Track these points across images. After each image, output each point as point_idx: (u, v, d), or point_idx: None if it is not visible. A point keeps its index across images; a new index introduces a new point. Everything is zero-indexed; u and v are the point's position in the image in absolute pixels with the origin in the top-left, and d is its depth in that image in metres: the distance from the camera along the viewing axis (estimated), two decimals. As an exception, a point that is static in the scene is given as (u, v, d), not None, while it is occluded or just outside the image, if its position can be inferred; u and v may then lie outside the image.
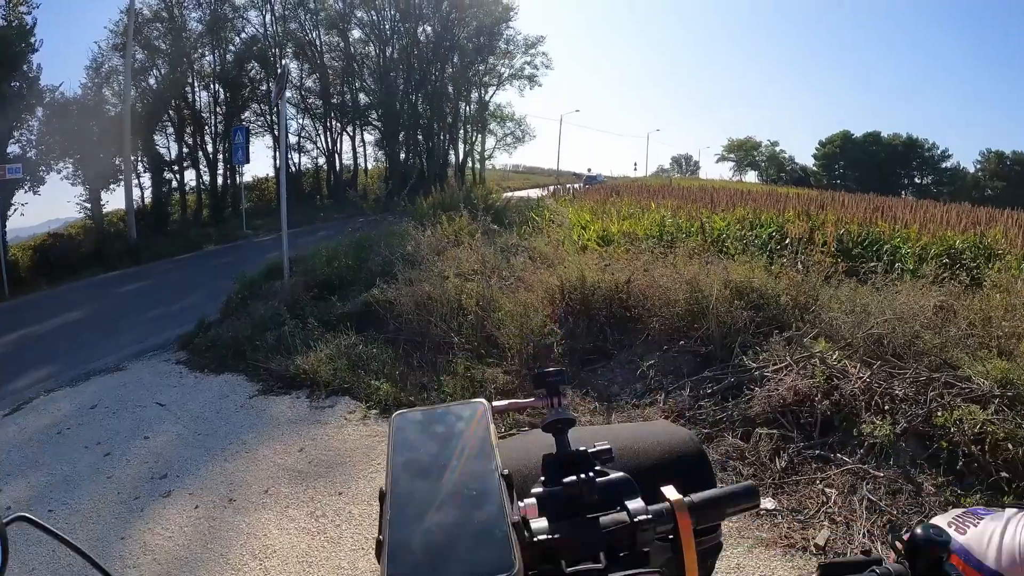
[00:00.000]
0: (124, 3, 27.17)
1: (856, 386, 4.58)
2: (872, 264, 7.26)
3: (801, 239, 8.36)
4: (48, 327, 12.33)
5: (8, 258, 18.79)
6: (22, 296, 17.13)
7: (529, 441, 1.41)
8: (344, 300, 8.23)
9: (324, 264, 9.33)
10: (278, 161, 33.92)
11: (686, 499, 1.01)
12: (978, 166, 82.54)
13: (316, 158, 41.33)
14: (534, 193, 24.99)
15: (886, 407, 4.41)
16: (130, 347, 9.40)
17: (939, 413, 4.17)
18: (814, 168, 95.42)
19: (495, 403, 1.20)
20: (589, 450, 1.13)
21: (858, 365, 4.84)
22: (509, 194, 16.18)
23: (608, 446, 1.15)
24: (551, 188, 28.43)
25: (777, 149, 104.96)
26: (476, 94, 49.38)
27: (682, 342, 5.86)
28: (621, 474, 1.09)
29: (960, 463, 3.90)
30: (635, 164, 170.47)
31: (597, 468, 1.09)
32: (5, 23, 21.17)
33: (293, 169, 37.75)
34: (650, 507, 1.01)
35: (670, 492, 1.03)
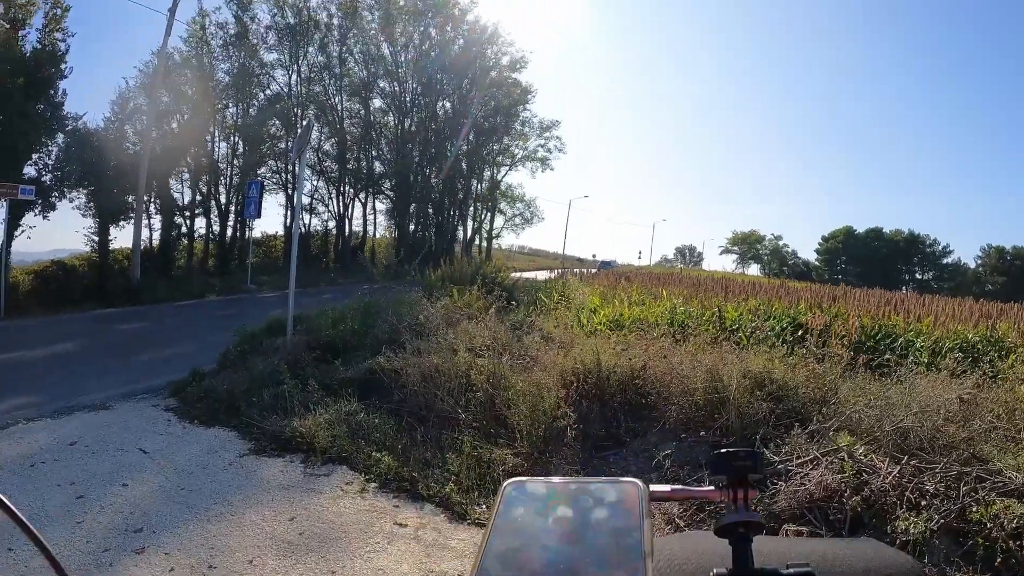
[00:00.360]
0: (156, 46, 27.61)
1: (886, 481, 4.38)
2: (887, 356, 7.09)
3: (820, 331, 8.24)
4: (38, 354, 12.09)
5: (8, 279, 18.60)
6: (17, 319, 16.96)
7: (693, 546, 1.13)
8: (348, 365, 7.93)
9: (330, 326, 9.08)
10: (290, 217, 34.37)
11: None
12: (979, 261, 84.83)
13: (326, 221, 41.55)
14: (539, 275, 25.00)
15: (919, 503, 4.22)
16: (119, 387, 9.15)
17: (973, 508, 4.00)
18: (816, 263, 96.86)
19: (654, 487, 0.96)
20: (782, 571, 0.85)
21: (886, 460, 4.62)
22: (517, 274, 16.06)
23: (809, 569, 0.86)
24: (557, 271, 28.45)
25: (780, 243, 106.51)
26: (489, 172, 49.98)
27: (702, 432, 5.63)
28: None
29: (998, 559, 3.74)
30: (639, 252, 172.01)
31: None
32: (39, 46, 21.35)
33: (303, 230, 37.75)
34: None
35: None
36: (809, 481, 4.50)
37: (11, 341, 13.31)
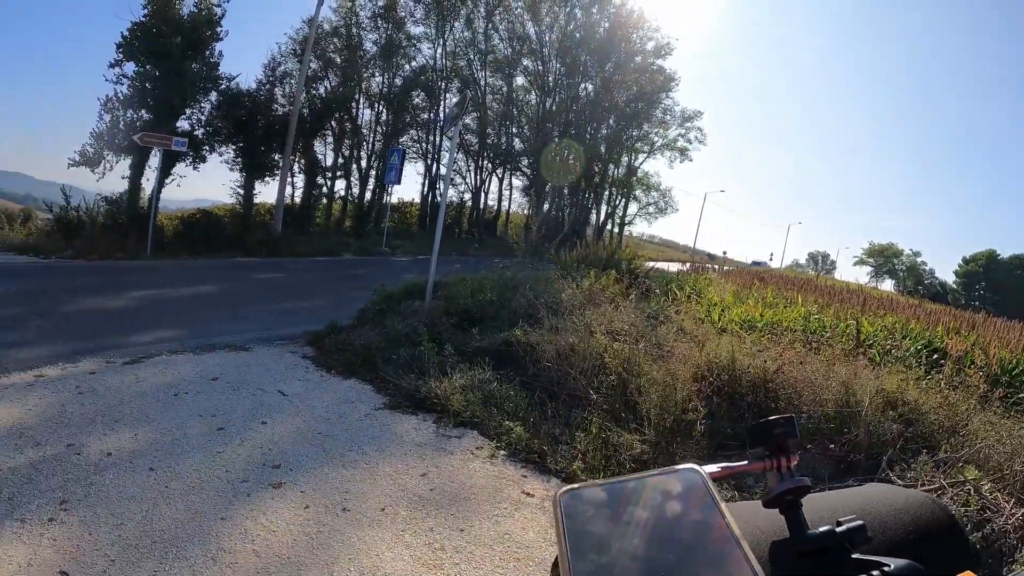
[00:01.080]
0: (307, 14, 28.51)
1: (1009, 522, 4.22)
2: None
3: (957, 358, 7.97)
4: (181, 293, 12.84)
5: (156, 223, 19.65)
6: (163, 260, 17.94)
7: (745, 519, 1.04)
8: (484, 334, 8.05)
9: (468, 294, 9.22)
10: (440, 185, 35.32)
11: None
12: None
13: (462, 193, 42.17)
14: (669, 266, 24.73)
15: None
16: (258, 331, 9.58)
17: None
18: (954, 285, 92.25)
19: (707, 469, 0.89)
20: (838, 529, 0.84)
21: (1011, 500, 4.46)
22: (649, 264, 15.96)
23: (860, 521, 0.86)
24: (687, 265, 28.10)
25: (918, 260, 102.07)
26: (626, 159, 49.57)
27: (831, 446, 5.54)
28: (907, 563, 0.79)
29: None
30: (771, 254, 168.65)
31: (855, 556, 0.82)
32: (196, 10, 22.50)
33: (439, 198, 38.15)
34: None
35: None
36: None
37: (156, 280, 14.17)
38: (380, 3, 34.75)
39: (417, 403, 6.57)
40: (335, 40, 33.35)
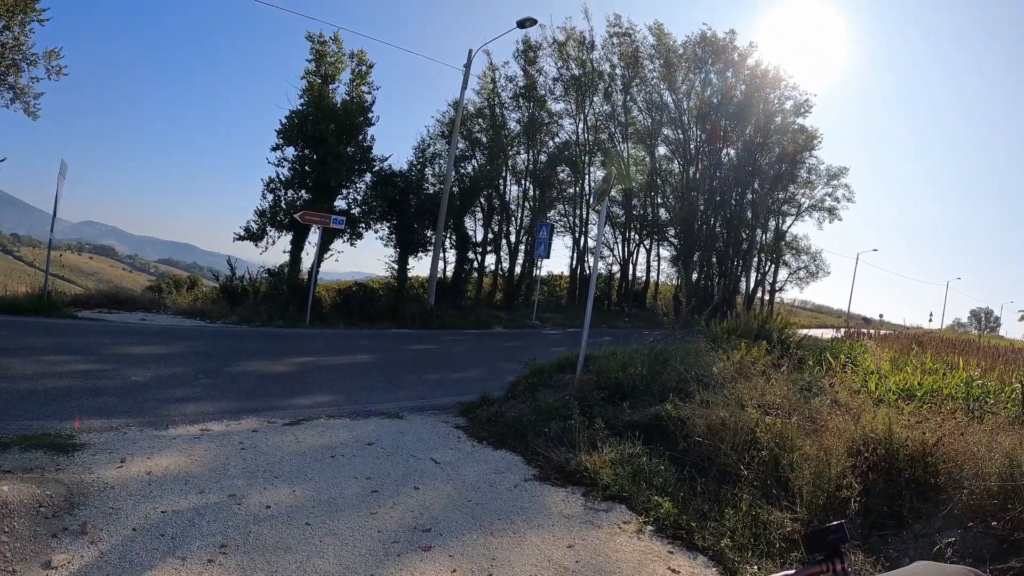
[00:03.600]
0: (451, 97, 29.77)
1: None
2: None
3: None
4: (337, 362, 13.38)
5: (315, 294, 20.87)
6: (320, 329, 18.84)
7: None
8: (634, 408, 8.13)
9: (618, 368, 9.26)
10: (590, 260, 35.44)
11: None
12: None
13: (610, 265, 42.49)
14: (823, 332, 24.04)
15: None
16: (411, 400, 9.95)
17: None
18: None
19: None
20: None
21: None
22: (802, 331, 15.68)
23: None
24: (841, 331, 27.25)
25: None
26: (774, 222, 48.78)
27: (993, 523, 5.32)
28: None
29: None
30: (931, 314, 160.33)
31: None
32: (348, 98, 24.17)
33: (587, 272, 38.80)
34: None
35: None
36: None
37: (314, 347, 14.90)
38: (521, 84, 36.01)
39: (566, 476, 6.66)
40: (480, 120, 34.77)
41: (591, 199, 35.44)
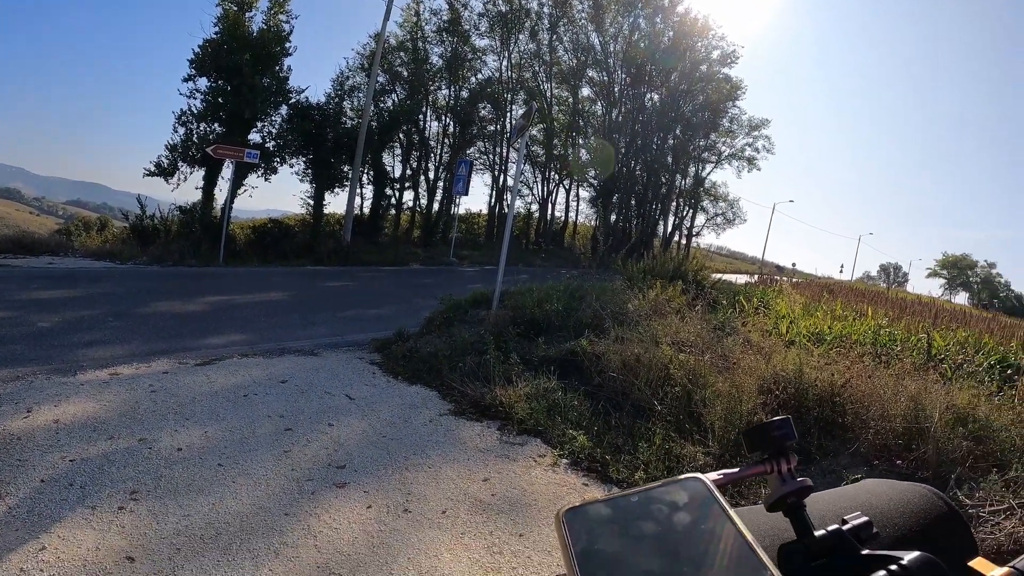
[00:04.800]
0: (373, 29, 29.11)
1: None
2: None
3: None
4: (251, 299, 13.06)
5: (228, 231, 20.27)
6: (234, 267, 18.43)
7: (751, 525, 0.88)
8: (550, 344, 8.07)
9: (534, 304, 9.23)
10: (509, 198, 35.19)
11: (1013, 569, 0.72)
12: None
13: (529, 204, 42.50)
14: (737, 278, 24.47)
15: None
16: (326, 337, 9.75)
17: None
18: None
19: (711, 477, 0.85)
20: (844, 527, 0.82)
21: None
22: (716, 275, 15.85)
23: (866, 517, 0.84)
24: (755, 277, 27.77)
25: (993, 272, 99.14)
26: (693, 169, 49.29)
27: (898, 462, 5.45)
28: (920, 554, 0.74)
29: None
30: (842, 266, 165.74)
31: (865, 553, 0.79)
32: (265, 27, 23.36)
33: (507, 210, 38.38)
34: None
35: (983, 565, 0.80)
36: (1000, 531, 4.28)
37: (227, 285, 14.60)
38: (445, 17, 35.41)
39: (482, 410, 6.63)
40: (401, 54, 34.06)
41: (511, 136, 35.14)
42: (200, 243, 19.66)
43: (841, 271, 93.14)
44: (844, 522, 0.83)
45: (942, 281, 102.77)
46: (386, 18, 25.91)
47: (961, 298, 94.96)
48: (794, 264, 67.44)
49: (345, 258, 22.62)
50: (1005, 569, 0.72)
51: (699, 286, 12.14)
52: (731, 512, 0.73)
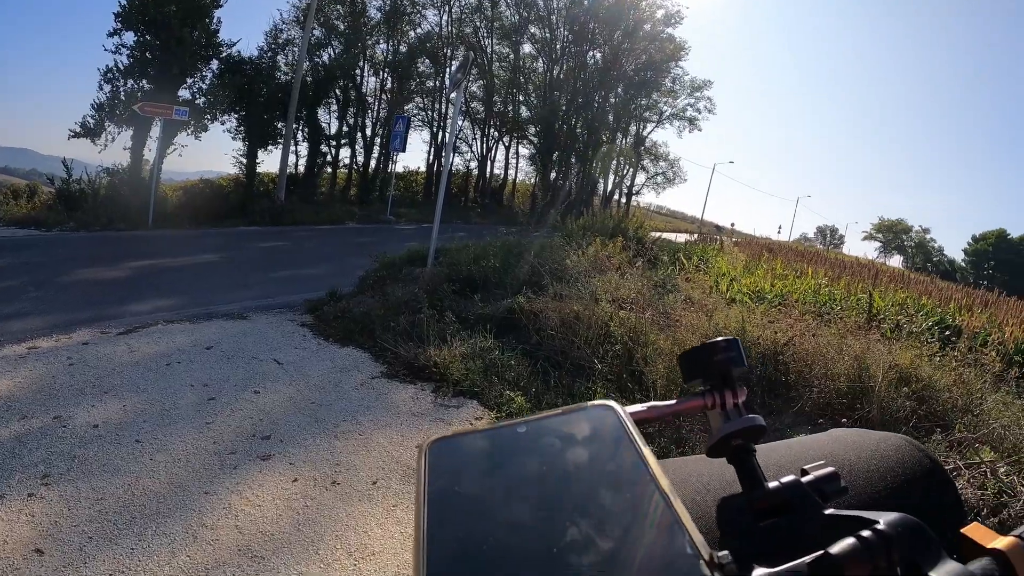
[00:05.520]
0: None
1: None
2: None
3: (972, 335, 7.80)
4: (180, 263, 12.62)
5: (157, 194, 19.67)
6: (163, 230, 17.77)
7: (688, 475, 0.83)
8: (487, 302, 7.83)
9: (471, 261, 8.98)
10: (445, 151, 34.86)
11: (1019, 538, 0.55)
12: None
13: (468, 161, 41.83)
14: (677, 236, 24.50)
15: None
16: (256, 300, 9.45)
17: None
18: (962, 263, 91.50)
19: (630, 409, 0.67)
20: (803, 479, 0.63)
21: None
22: (656, 234, 15.76)
23: (831, 468, 0.65)
24: (695, 235, 27.86)
25: (927, 237, 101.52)
26: (634, 128, 49.15)
27: (844, 420, 5.33)
28: (900, 516, 0.55)
29: None
30: (780, 227, 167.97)
31: (828, 512, 0.60)
32: None
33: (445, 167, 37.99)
34: (972, 567, 0.54)
35: (980, 533, 0.59)
36: (945, 491, 4.19)
37: (156, 250, 13.98)
38: (385, -33, 34.28)
39: (415, 372, 6.38)
40: (338, 7, 33.06)
41: (447, 88, 34.62)
42: (129, 206, 18.91)
43: (779, 232, 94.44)
44: (804, 472, 0.64)
45: (877, 244, 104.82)
46: (320, -33, 24.95)
47: (895, 261, 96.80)
48: (733, 224, 68.09)
49: (279, 218, 22.02)
50: (1009, 538, 0.55)
51: (639, 243, 12.00)
52: (645, 451, 0.57)
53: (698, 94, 48.16)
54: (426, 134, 38.96)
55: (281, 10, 46.46)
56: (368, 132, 34.34)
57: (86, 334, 6.93)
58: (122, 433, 4.54)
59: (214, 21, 23.29)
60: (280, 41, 28.82)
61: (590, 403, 0.62)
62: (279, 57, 28.33)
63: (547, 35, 40.97)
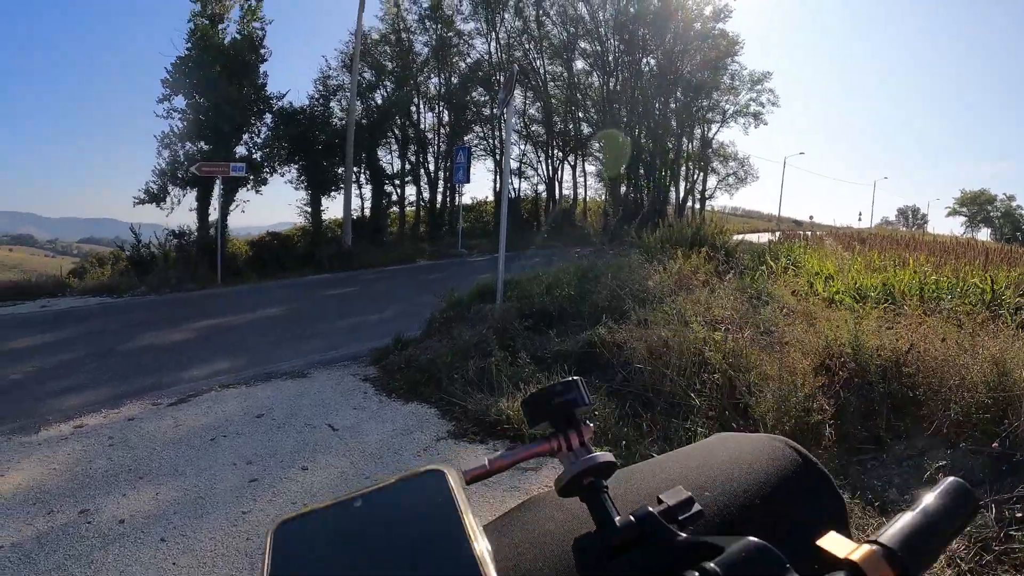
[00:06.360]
0: (352, 26, 28.58)
1: None
2: None
3: None
4: (246, 319, 12.54)
5: (226, 251, 20.00)
6: (233, 287, 17.89)
7: (539, 518, 0.80)
8: (563, 336, 7.04)
9: (543, 291, 8.27)
10: (500, 174, 34.51)
11: (875, 545, 0.55)
12: None
13: (536, 185, 41.44)
14: (757, 237, 23.61)
15: None
16: (320, 353, 9.05)
17: None
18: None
19: (471, 468, 0.71)
20: (655, 509, 0.62)
21: None
22: (739, 236, 14.99)
23: (687, 493, 0.65)
24: (776, 233, 26.96)
25: (1013, 204, 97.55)
26: (699, 131, 48.33)
27: (995, 444, 4.44)
28: (749, 540, 0.55)
29: None
30: (860, 214, 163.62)
31: (681, 538, 0.59)
32: (239, 36, 22.98)
33: (513, 194, 38.28)
34: None
35: (835, 544, 0.56)
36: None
37: (222, 308, 14.09)
38: (425, 4, 34.64)
39: (487, 428, 5.69)
40: (386, 47, 33.56)
41: (497, 107, 34.28)
42: (197, 266, 19.21)
43: (860, 219, 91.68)
44: (660, 501, 0.66)
45: (963, 219, 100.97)
46: (360, 9, 25.19)
47: (983, 234, 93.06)
48: (811, 217, 66.46)
49: (347, 262, 22.03)
50: (866, 547, 0.55)
51: (723, 251, 11.18)
52: (466, 518, 0.58)
53: (759, 87, 47.26)
54: (489, 163, 39.01)
55: (327, 57, 46.88)
56: (431, 167, 34.40)
57: (136, 407, 6.62)
58: (148, 529, 4.07)
59: (260, 75, 23.64)
60: (330, 87, 29.00)
61: (422, 468, 0.64)
62: (332, 104, 28.45)
63: (598, 48, 40.63)
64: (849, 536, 0.61)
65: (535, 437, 0.74)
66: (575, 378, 0.73)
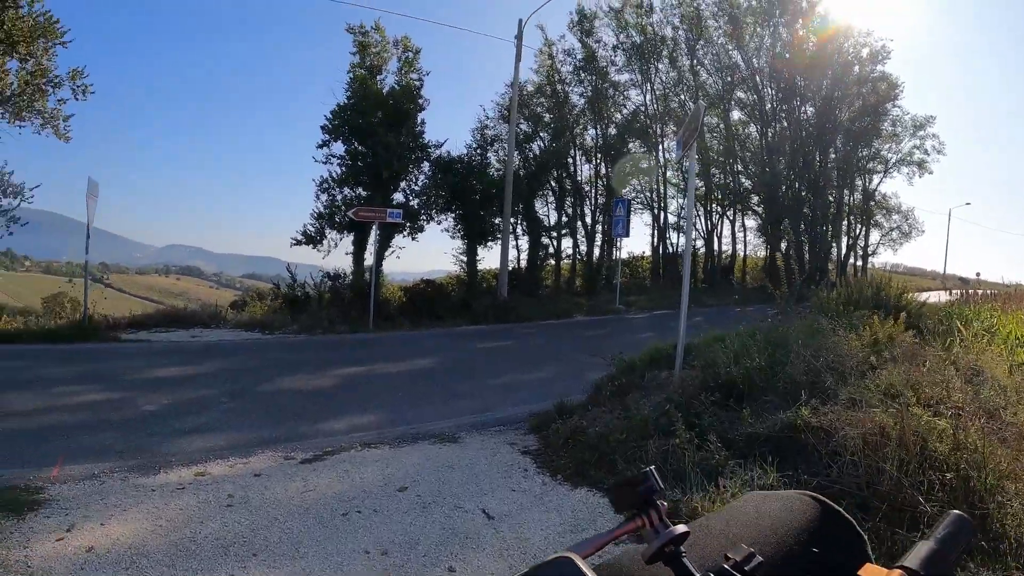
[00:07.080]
0: (507, 78, 28.94)
1: None
2: None
3: None
4: (395, 369, 12.17)
5: (380, 295, 20.25)
6: (385, 332, 17.92)
7: None
8: (757, 415, 6.04)
9: (731, 360, 7.25)
10: (671, 235, 35.03)
11: (902, 569, 0.78)
12: None
13: (695, 240, 40.32)
14: (930, 297, 22.15)
15: None
16: (472, 414, 8.57)
17: None
18: None
19: (582, 549, 0.94)
20: (726, 565, 0.84)
21: None
22: (924, 295, 13.83)
23: (749, 549, 0.86)
24: (951, 293, 25.31)
25: None
26: (860, 182, 46.39)
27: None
28: None
29: None
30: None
31: None
32: (396, 87, 23.65)
33: (670, 249, 37.98)
34: None
35: (873, 573, 0.83)
36: None
37: (372, 354, 13.84)
38: (579, 56, 34.85)
39: (674, 528, 4.88)
40: (541, 99, 33.88)
41: (674, 152, 33.47)
42: (350, 309, 19.54)
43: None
44: (727, 558, 0.85)
45: None
46: (517, 59, 25.38)
47: None
48: (978, 274, 62.30)
49: (503, 315, 21.83)
50: (897, 571, 0.77)
51: (909, 314, 10.11)
52: None
53: (921, 133, 45.08)
54: (647, 216, 38.83)
55: (484, 107, 47.77)
56: (588, 220, 34.37)
57: (265, 459, 6.33)
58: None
59: (418, 123, 24.12)
60: (488, 137, 29.45)
61: (551, 557, 0.83)
62: (489, 154, 28.75)
63: (754, 98, 39.91)
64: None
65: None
66: (649, 468, 0.99)
